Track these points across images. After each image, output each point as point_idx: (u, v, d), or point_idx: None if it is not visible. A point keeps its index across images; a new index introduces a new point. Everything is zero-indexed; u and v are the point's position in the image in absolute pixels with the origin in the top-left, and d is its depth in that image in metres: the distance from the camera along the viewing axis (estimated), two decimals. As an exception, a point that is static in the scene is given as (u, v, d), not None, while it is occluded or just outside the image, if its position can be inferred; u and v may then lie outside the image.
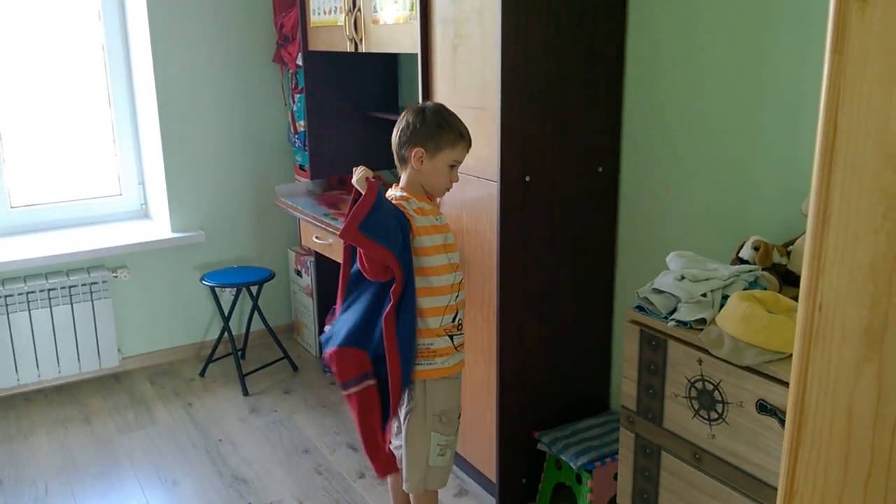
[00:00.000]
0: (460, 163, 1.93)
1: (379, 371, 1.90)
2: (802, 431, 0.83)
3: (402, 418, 1.97)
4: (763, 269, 1.72)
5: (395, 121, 1.93)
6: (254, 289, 3.35)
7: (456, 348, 1.94)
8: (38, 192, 3.39)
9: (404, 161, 1.91)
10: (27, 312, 3.13)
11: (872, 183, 0.74)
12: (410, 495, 2.05)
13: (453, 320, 1.93)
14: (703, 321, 1.59)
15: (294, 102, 3.43)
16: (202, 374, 3.40)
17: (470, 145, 1.93)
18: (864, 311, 0.77)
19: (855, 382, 0.80)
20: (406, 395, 1.94)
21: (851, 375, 0.80)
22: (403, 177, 1.94)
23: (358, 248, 1.79)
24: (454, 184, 1.94)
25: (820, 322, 0.79)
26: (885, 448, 0.78)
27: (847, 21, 0.73)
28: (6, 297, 3.08)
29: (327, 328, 1.98)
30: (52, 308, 3.17)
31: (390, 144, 1.94)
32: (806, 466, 0.84)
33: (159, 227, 3.49)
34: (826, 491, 0.83)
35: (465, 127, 1.92)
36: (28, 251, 3.12)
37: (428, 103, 1.94)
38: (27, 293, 3.12)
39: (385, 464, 2.00)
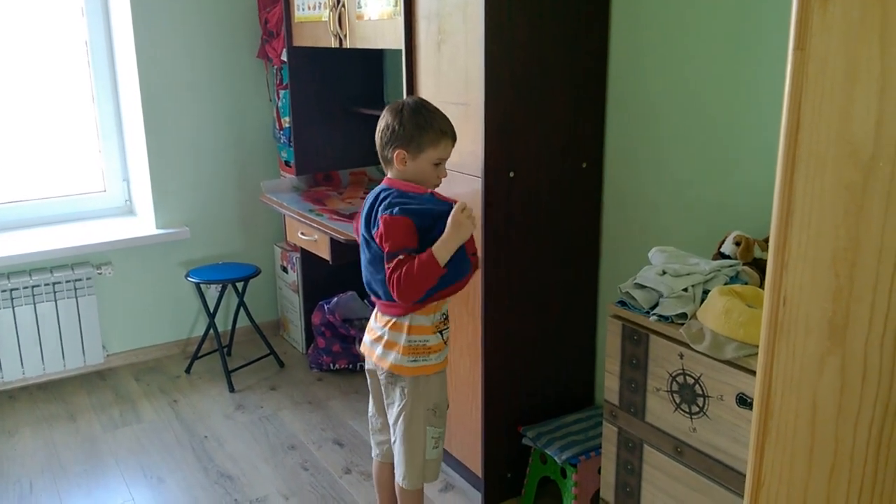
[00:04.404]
0: (446, 159, 1.89)
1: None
2: (768, 425, 0.84)
3: (393, 417, 1.97)
4: (744, 264, 1.73)
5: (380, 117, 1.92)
6: (239, 285, 3.34)
7: (445, 343, 1.95)
8: (21, 188, 3.37)
9: (388, 162, 1.89)
10: (11, 310, 3.11)
11: (834, 179, 0.75)
12: (397, 491, 2.05)
13: (442, 315, 1.94)
14: (684, 316, 1.60)
15: (279, 98, 3.41)
16: (188, 370, 3.40)
17: (455, 140, 1.89)
18: (827, 305, 0.78)
19: (819, 376, 0.80)
20: (397, 393, 1.95)
21: (815, 369, 0.81)
22: (390, 174, 1.91)
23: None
24: (442, 179, 1.91)
25: (784, 316, 0.80)
26: (848, 441, 0.79)
27: (809, 19, 0.73)
28: (-10, 294, 3.07)
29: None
30: (36, 305, 3.15)
31: (375, 140, 1.92)
32: (772, 459, 0.85)
33: (144, 223, 3.47)
34: (792, 483, 0.84)
35: (448, 122, 1.88)
36: (11, 248, 3.09)
37: (407, 100, 1.89)
38: (11, 290, 3.10)
39: None
